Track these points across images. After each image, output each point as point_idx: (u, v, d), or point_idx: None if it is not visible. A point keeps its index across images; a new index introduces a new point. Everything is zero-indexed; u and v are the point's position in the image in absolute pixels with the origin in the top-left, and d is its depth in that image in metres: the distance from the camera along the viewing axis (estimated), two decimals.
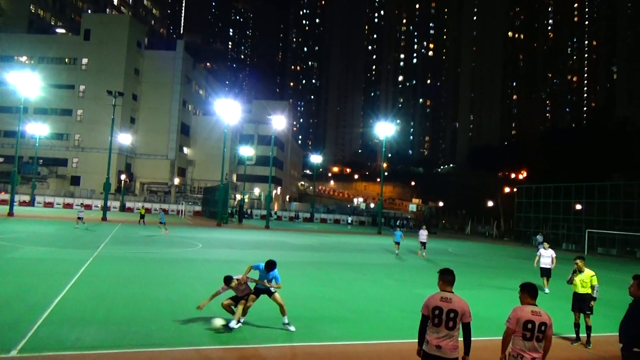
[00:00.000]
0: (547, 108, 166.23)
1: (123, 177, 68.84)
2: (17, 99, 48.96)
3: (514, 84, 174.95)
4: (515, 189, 57.62)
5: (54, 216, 30.50)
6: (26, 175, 61.57)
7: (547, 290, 14.57)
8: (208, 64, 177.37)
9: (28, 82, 40.27)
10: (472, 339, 4.86)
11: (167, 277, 13.60)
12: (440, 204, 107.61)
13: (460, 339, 4.85)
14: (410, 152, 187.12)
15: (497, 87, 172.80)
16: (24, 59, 74.99)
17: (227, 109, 45.95)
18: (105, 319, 8.49)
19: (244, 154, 72.86)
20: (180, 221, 46.91)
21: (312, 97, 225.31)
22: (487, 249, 36.96)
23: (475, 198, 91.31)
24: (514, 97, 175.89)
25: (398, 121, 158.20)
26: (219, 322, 8.20)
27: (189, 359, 6.95)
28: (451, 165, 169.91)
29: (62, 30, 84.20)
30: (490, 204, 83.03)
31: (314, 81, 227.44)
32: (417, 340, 5.01)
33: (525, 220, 49.78)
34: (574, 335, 9.13)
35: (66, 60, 75.03)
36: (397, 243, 25.30)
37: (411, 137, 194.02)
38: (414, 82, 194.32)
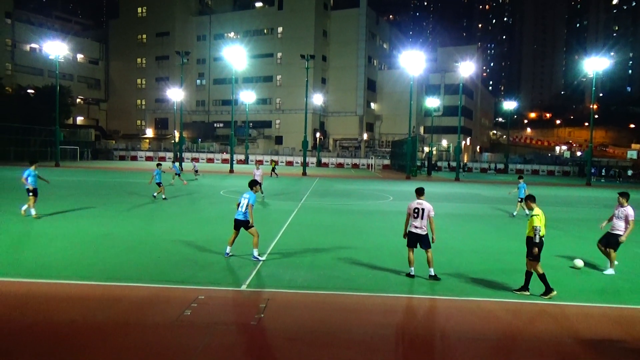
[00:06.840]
0: None
1: (318, 135, 74.25)
2: (229, 71, 56.26)
3: None
4: None
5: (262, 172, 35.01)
6: (240, 137, 71.05)
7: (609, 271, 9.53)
8: (391, 16, 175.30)
9: (237, 55, 45.85)
10: None
11: (362, 227, 14.46)
12: None
13: None
14: (628, 89, 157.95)
15: None
16: (231, 34, 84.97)
17: (412, 61, 45.12)
18: (311, 264, 9.54)
19: (430, 105, 71.26)
20: (370, 175, 48.98)
21: (504, 37, 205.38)
22: None
23: None
24: None
25: (612, 53, 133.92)
26: (579, 263, 9.76)
27: (387, 304, 7.39)
28: None
29: (260, 4, 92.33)
30: None
31: (505, 19, 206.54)
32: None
33: None
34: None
35: (265, 31, 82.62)
36: (522, 200, 17.08)
37: (630, 71, 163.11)
38: (634, 3, 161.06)
